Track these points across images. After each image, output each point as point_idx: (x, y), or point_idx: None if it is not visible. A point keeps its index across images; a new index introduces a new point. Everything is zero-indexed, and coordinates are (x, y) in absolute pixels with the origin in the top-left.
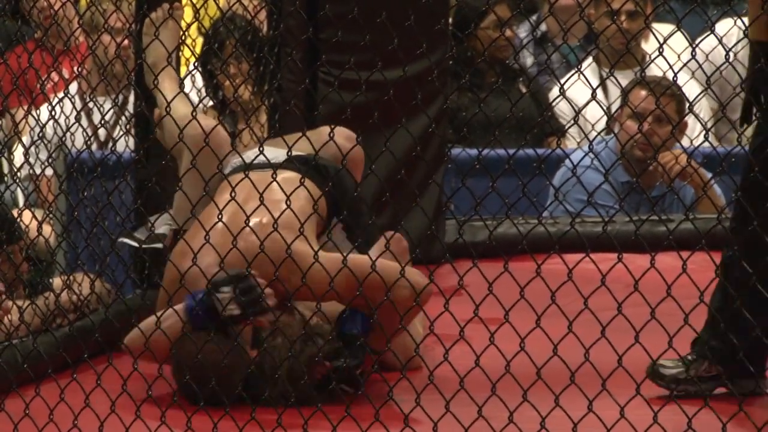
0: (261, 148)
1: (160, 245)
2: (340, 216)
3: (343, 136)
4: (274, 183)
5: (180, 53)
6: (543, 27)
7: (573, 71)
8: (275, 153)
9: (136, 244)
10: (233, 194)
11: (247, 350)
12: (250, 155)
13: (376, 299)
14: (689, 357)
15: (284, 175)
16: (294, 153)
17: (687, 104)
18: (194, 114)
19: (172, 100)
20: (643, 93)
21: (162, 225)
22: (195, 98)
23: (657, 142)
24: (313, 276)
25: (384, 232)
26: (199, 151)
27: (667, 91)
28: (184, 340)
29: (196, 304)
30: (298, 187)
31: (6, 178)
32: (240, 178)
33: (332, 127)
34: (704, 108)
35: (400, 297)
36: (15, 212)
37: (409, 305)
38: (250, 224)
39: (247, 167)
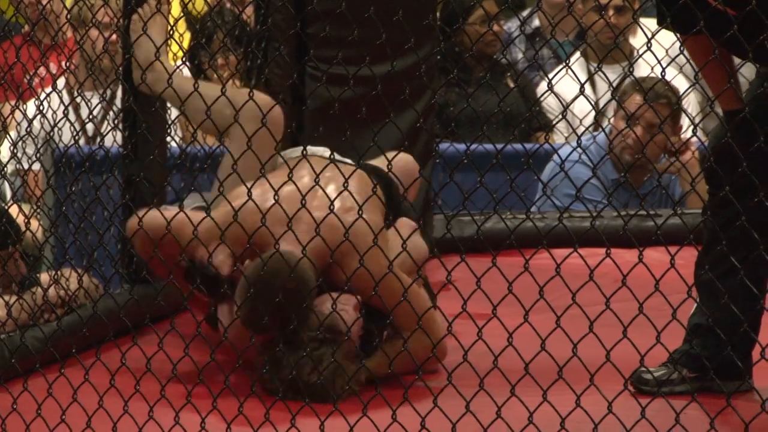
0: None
1: None
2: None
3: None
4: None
5: (168, 47)
6: (536, 22)
7: (561, 66)
8: (339, 156)
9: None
10: (309, 175)
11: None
12: (318, 150)
13: (404, 326)
14: (669, 364)
15: (359, 173)
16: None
17: (676, 101)
18: (251, 93)
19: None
20: (639, 99)
21: (195, 200)
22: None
23: (650, 147)
24: (383, 284)
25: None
26: (257, 131)
27: (664, 98)
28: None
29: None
30: (375, 187)
31: None
32: (313, 161)
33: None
34: (692, 103)
35: (423, 345)
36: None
37: (425, 354)
38: (335, 206)
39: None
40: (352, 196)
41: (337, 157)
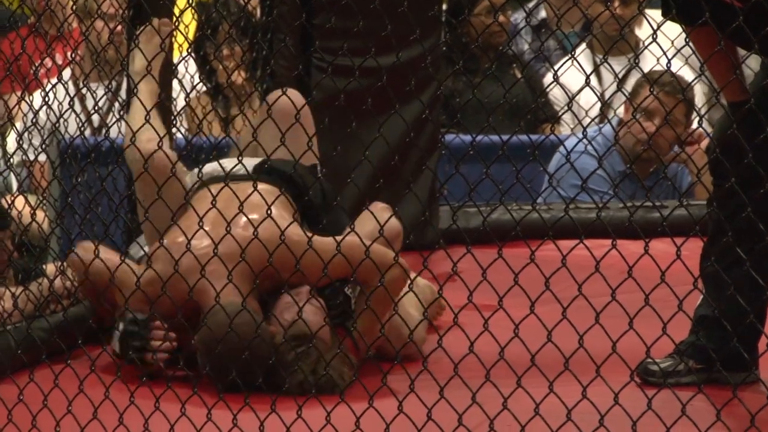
0: (240, 158)
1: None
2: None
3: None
4: (254, 194)
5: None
6: (542, 14)
7: (567, 58)
8: (251, 162)
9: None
10: (214, 202)
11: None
12: (226, 164)
13: (369, 282)
14: (676, 355)
15: (262, 186)
16: (275, 159)
17: (683, 93)
18: (133, 140)
19: (137, 129)
20: (647, 91)
21: (138, 250)
22: (188, 84)
23: (661, 142)
24: (308, 260)
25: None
26: (138, 176)
27: (678, 92)
28: (216, 315)
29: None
30: (278, 197)
31: None
32: (217, 188)
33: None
34: (698, 94)
35: (393, 277)
36: (8, 198)
37: (401, 285)
38: (242, 221)
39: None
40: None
41: (234, 170)
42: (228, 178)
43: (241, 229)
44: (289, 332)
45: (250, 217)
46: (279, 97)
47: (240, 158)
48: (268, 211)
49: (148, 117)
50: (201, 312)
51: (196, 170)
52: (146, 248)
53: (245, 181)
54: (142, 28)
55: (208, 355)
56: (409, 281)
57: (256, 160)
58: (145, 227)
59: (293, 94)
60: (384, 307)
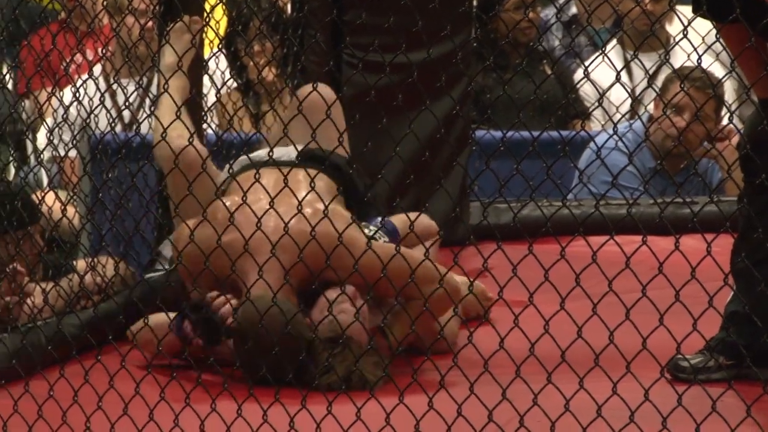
0: (270, 152)
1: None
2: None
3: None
4: (297, 179)
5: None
6: (573, 10)
7: (597, 54)
8: (283, 151)
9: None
10: (257, 175)
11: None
12: (261, 154)
13: (412, 296)
14: (706, 351)
15: (302, 173)
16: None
17: (714, 88)
18: (164, 135)
19: (169, 125)
20: (677, 87)
21: (169, 248)
22: (219, 80)
23: (691, 137)
24: (365, 263)
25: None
26: (169, 172)
27: (708, 87)
28: (248, 311)
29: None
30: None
31: (30, 160)
32: (253, 177)
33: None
34: (728, 90)
35: (438, 297)
36: (39, 194)
37: (444, 306)
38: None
39: (261, 165)
40: (319, 198)
41: (283, 155)
42: (267, 164)
43: (295, 222)
44: (326, 331)
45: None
46: (310, 92)
47: (271, 151)
48: (325, 211)
49: (178, 113)
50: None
51: (231, 163)
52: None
53: (287, 166)
54: (172, 24)
55: (241, 346)
56: (454, 304)
57: (294, 149)
58: (177, 223)
59: (323, 89)
60: (423, 323)
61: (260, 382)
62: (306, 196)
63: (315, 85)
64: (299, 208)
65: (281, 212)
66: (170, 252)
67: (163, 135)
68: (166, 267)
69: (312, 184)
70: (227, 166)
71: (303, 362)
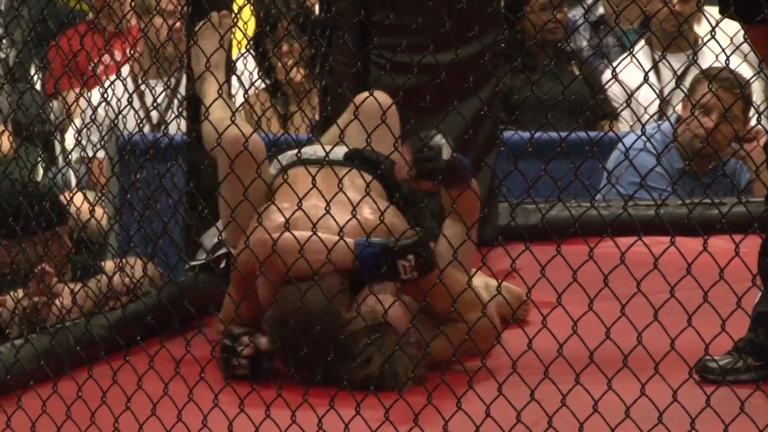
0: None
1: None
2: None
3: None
4: (347, 179)
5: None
6: (600, 10)
7: (625, 54)
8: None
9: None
10: (313, 182)
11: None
12: (308, 151)
13: (452, 319)
14: (734, 352)
15: (351, 172)
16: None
17: (742, 89)
18: (233, 119)
19: (211, 104)
20: (705, 87)
21: (210, 239)
22: (247, 81)
23: (719, 138)
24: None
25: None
26: (236, 156)
27: (736, 87)
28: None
29: (379, 254)
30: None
31: (58, 161)
32: (303, 173)
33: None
34: (756, 91)
35: (478, 328)
36: (67, 195)
37: (486, 338)
38: (365, 208)
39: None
40: (374, 202)
41: (337, 152)
42: (315, 162)
43: (368, 214)
44: (367, 319)
45: (353, 201)
46: (366, 97)
47: (324, 147)
48: (383, 214)
49: (231, 108)
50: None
51: (281, 157)
52: (217, 238)
53: (339, 166)
54: (201, 23)
55: (278, 329)
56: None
57: (344, 149)
58: (225, 213)
59: (381, 95)
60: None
61: (297, 365)
62: (362, 198)
63: (372, 91)
64: (354, 210)
65: (336, 211)
66: (211, 242)
67: (232, 118)
68: (206, 257)
69: (367, 189)
70: (275, 160)
71: (340, 343)
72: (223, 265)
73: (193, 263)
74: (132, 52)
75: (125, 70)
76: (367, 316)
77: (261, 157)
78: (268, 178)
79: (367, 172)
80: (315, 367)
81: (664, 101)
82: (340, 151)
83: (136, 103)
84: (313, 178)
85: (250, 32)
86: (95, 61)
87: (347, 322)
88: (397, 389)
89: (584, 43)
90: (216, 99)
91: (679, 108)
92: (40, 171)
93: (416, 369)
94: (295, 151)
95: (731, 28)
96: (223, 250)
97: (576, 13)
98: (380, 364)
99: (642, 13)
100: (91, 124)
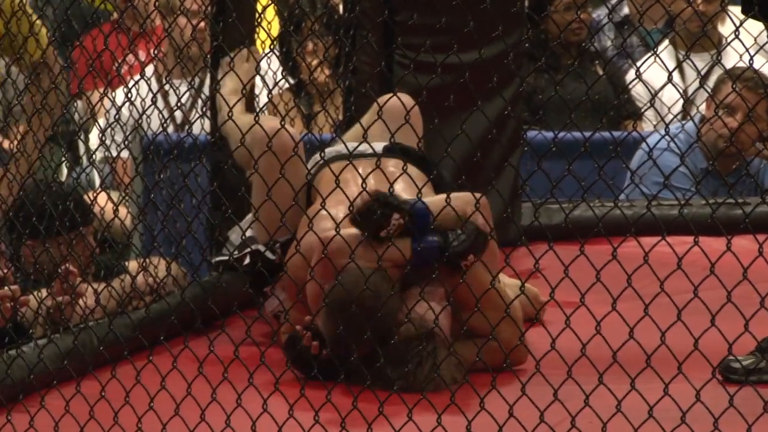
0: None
1: (256, 247)
2: None
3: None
4: (390, 170)
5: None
6: (625, 10)
7: (649, 54)
8: (365, 146)
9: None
10: (364, 185)
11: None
12: (337, 149)
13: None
14: (758, 352)
15: (392, 163)
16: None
17: (766, 89)
18: (257, 119)
19: (234, 105)
20: (738, 88)
21: (237, 234)
22: (270, 81)
23: (743, 138)
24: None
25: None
26: (261, 154)
27: (760, 87)
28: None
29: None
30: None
31: (82, 161)
32: (348, 168)
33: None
34: None
35: (504, 339)
36: (91, 194)
37: (511, 342)
38: None
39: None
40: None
41: (367, 149)
42: (356, 156)
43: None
44: (416, 326)
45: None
46: (389, 98)
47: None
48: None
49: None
50: None
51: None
52: (249, 232)
53: (384, 158)
54: (236, 51)
55: (334, 317)
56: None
57: (381, 144)
58: (262, 207)
59: (404, 97)
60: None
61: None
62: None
63: (395, 92)
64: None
65: None
66: (238, 238)
67: (256, 118)
68: (232, 252)
69: (407, 172)
70: (316, 155)
71: (391, 346)
72: (247, 261)
73: (218, 259)
74: (156, 52)
75: (149, 70)
76: (416, 323)
77: (299, 150)
78: (304, 172)
79: (412, 164)
80: (359, 360)
81: (688, 101)
82: (377, 146)
83: (160, 103)
84: (364, 179)
85: (275, 32)
86: (119, 61)
87: (399, 323)
88: (438, 389)
89: (608, 43)
90: (236, 103)
91: (702, 108)
92: (65, 171)
93: (459, 376)
94: (334, 147)
95: (755, 28)
96: (249, 249)
97: (600, 13)
98: (428, 373)
99: (666, 13)
100: (115, 124)
